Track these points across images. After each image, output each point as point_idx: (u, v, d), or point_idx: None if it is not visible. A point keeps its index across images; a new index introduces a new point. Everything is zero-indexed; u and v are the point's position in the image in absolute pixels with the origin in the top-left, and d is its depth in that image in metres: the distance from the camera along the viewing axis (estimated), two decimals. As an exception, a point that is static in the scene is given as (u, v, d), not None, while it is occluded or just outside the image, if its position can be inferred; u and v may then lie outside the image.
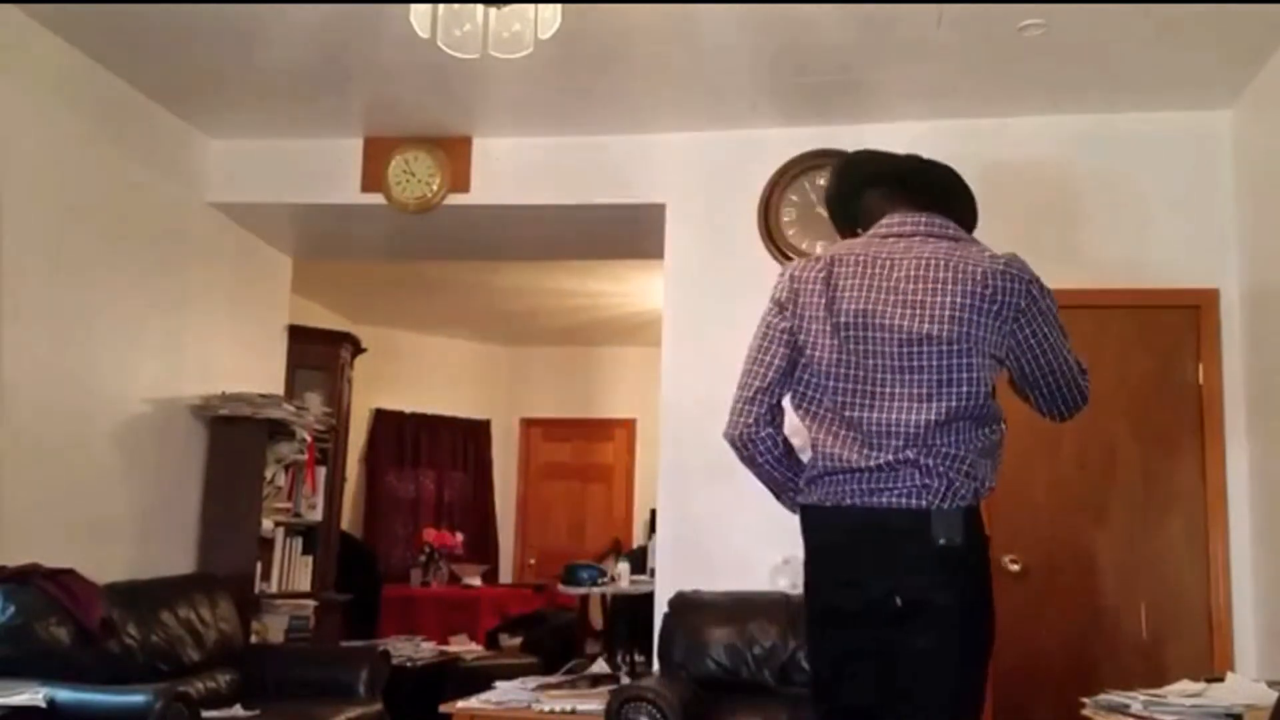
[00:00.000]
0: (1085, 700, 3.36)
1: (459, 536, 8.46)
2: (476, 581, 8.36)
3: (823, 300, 2.34)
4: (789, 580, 4.49)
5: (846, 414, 2.31)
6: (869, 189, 2.55)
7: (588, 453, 9.92)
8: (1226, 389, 4.45)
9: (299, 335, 6.33)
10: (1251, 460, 4.35)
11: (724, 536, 4.65)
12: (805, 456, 2.44)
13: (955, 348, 2.25)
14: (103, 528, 4.52)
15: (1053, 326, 2.40)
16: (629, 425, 9.66)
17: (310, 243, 6.06)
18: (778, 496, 2.53)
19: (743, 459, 2.46)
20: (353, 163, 5.23)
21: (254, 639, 5.07)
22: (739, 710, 4.03)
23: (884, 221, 2.44)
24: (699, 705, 4.02)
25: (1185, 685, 3.27)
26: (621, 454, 9.80)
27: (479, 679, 5.01)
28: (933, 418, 2.24)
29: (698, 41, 4.11)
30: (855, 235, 2.54)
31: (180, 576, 4.79)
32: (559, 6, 3.12)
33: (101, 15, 4.06)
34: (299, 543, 5.68)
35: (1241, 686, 3.20)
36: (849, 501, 2.29)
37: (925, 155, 5.25)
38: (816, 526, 2.38)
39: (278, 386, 5.98)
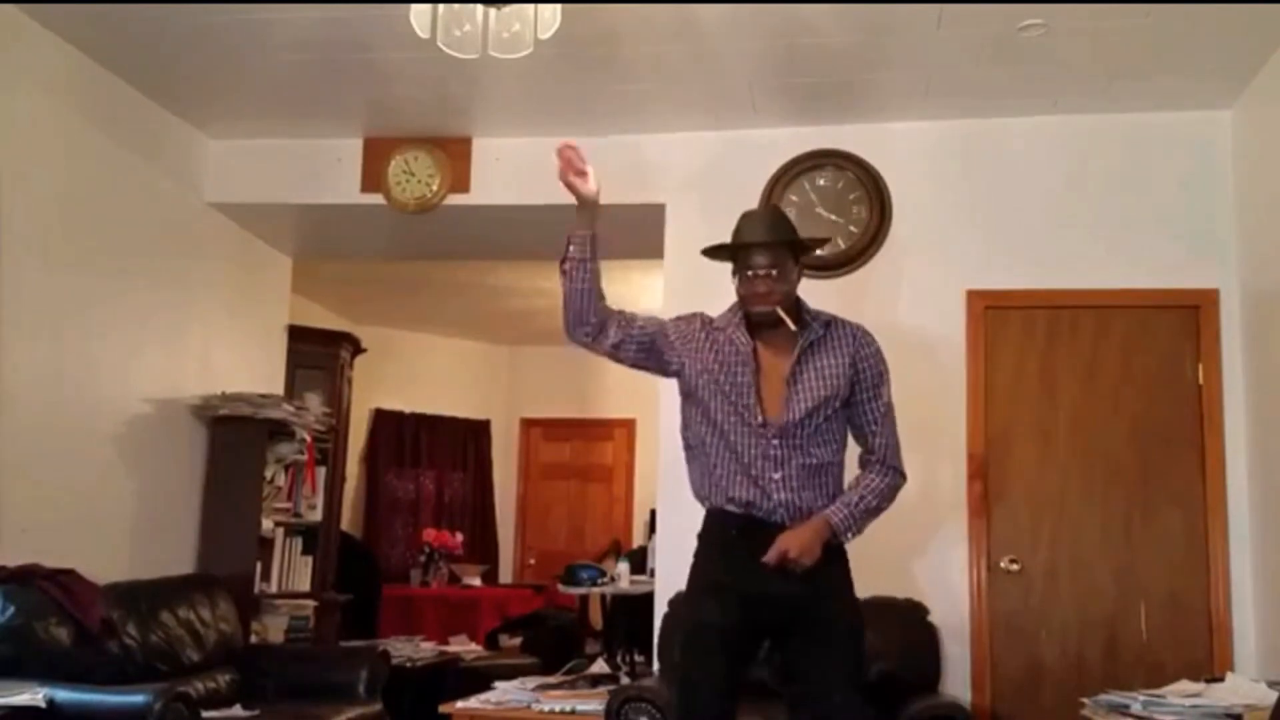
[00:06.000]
0: (1085, 700, 3.37)
1: (459, 536, 8.45)
2: (476, 581, 8.36)
3: None
4: (789, 580, 4.48)
5: None
6: None
7: (588, 453, 9.92)
8: (1226, 389, 4.45)
9: (299, 335, 6.33)
10: (1251, 460, 4.35)
11: (724, 536, 4.65)
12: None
13: None
14: (103, 528, 4.53)
15: None
16: (629, 425, 9.65)
17: (310, 243, 6.06)
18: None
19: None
20: (353, 163, 5.22)
21: (254, 639, 5.07)
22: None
23: None
24: (699, 705, 4.00)
25: (1185, 685, 3.28)
26: (621, 454, 9.79)
27: (479, 679, 5.02)
28: None
29: (698, 41, 4.12)
30: None
31: (180, 576, 4.79)
32: (558, 7, 3.13)
33: (102, 15, 4.06)
34: (299, 543, 5.68)
35: (1241, 686, 3.20)
36: None
37: (925, 155, 5.26)
38: None
39: (278, 386, 5.99)
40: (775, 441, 2.82)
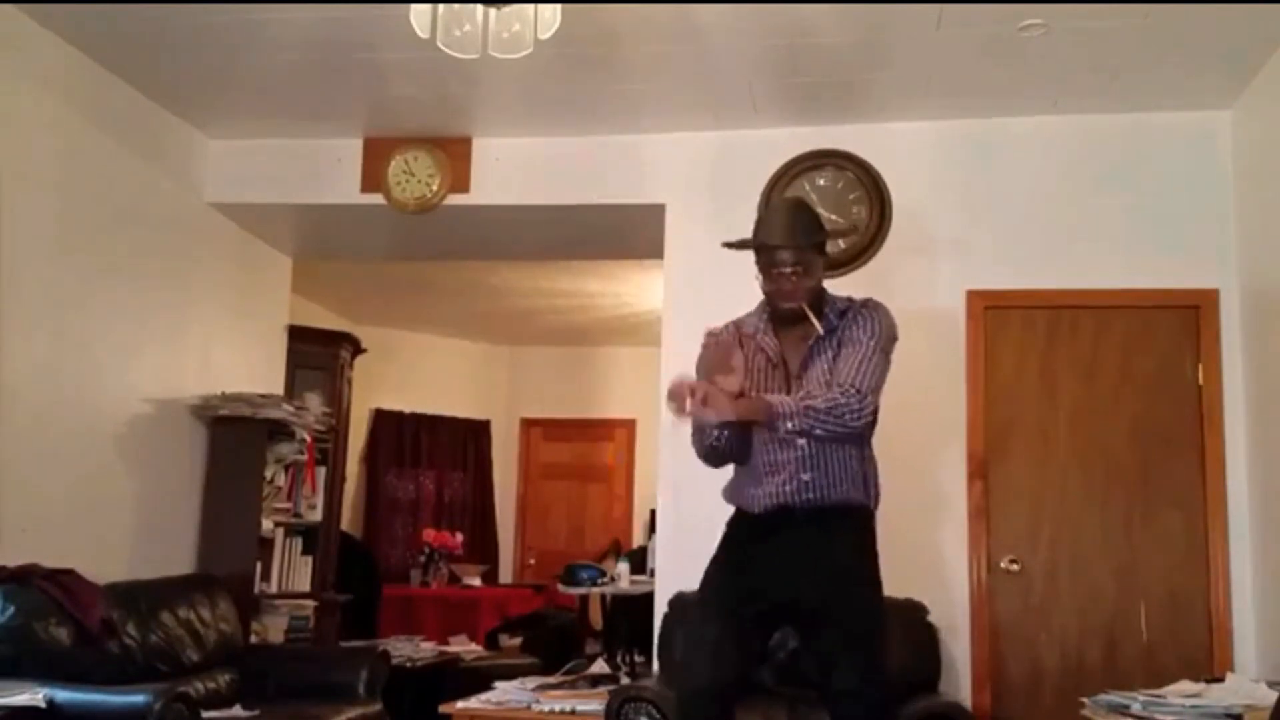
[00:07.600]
0: (1085, 700, 3.37)
1: (459, 536, 8.45)
2: (476, 581, 8.36)
3: None
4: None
5: None
6: None
7: (588, 453, 9.92)
8: (1226, 389, 4.45)
9: (299, 335, 6.33)
10: (1251, 460, 4.35)
11: (724, 536, 4.65)
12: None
13: None
14: (103, 528, 4.53)
15: None
16: (629, 425, 9.66)
17: (310, 243, 6.06)
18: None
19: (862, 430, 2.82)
20: (353, 163, 5.23)
21: (254, 639, 5.07)
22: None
23: None
24: (699, 705, 4.00)
25: (1185, 685, 3.28)
26: (621, 454, 9.80)
27: (479, 679, 5.01)
28: None
29: (697, 41, 4.12)
30: None
31: (180, 576, 4.79)
32: (558, 7, 3.12)
33: (101, 15, 4.06)
34: (299, 543, 5.68)
35: (1241, 686, 3.21)
36: None
37: (925, 155, 5.26)
38: None
39: (278, 386, 5.98)
40: (801, 442, 2.81)
